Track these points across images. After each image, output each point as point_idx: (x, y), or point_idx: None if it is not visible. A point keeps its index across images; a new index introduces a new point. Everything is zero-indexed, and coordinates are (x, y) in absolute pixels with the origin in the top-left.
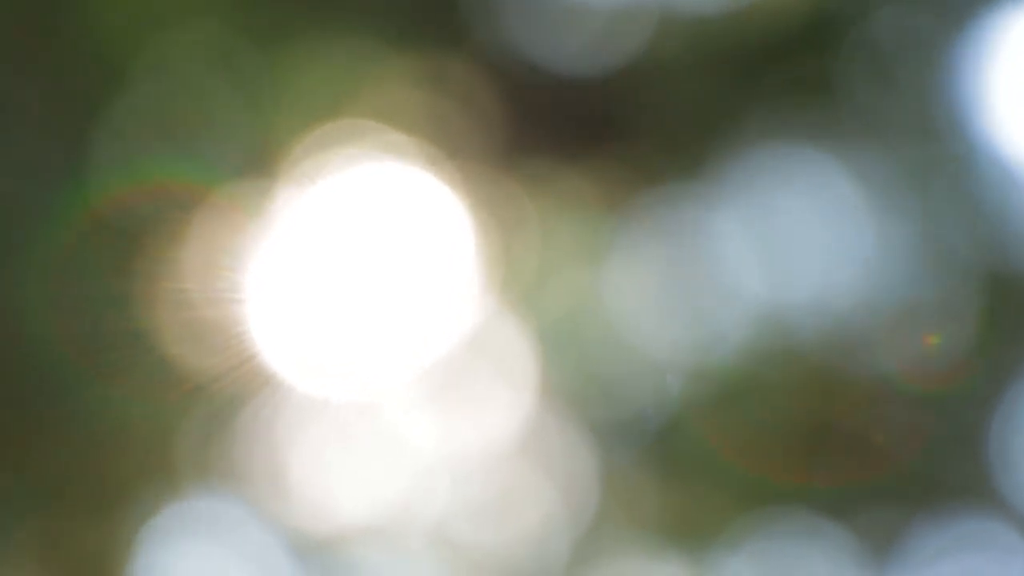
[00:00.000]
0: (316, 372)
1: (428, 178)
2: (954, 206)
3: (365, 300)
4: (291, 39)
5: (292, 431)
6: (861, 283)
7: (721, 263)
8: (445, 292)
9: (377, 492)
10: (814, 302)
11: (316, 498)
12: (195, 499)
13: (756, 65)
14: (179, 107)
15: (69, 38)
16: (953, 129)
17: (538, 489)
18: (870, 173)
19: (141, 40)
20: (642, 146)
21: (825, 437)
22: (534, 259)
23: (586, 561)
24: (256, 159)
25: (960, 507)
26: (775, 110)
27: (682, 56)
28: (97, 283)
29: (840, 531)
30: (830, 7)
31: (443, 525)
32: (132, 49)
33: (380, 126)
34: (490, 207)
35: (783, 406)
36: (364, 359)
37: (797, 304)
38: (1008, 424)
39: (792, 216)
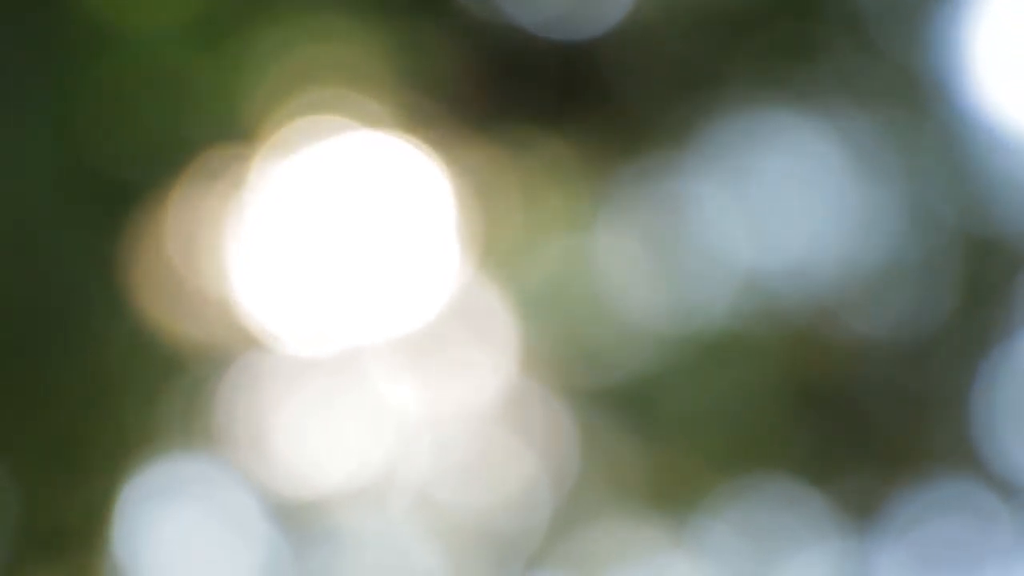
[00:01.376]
0: (299, 336)
1: (409, 144)
2: (936, 169)
3: (347, 265)
4: (272, 6)
5: (275, 395)
6: (844, 247)
7: (704, 228)
8: (426, 258)
9: (359, 456)
10: (797, 267)
11: (298, 462)
12: (178, 462)
13: (739, 30)
14: (160, 75)
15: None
16: (935, 93)
17: (520, 454)
18: (853, 138)
19: (125, 6)
20: (625, 111)
21: (808, 401)
22: (516, 225)
23: (568, 525)
24: (238, 125)
25: (941, 471)
26: (758, 75)
27: (665, 21)
28: (80, 245)
29: (821, 495)
30: None
31: (425, 489)
32: (117, 15)
33: (360, 92)
34: (471, 173)
35: (766, 370)
36: (346, 324)
37: (780, 269)
38: (989, 388)
39: (775, 181)
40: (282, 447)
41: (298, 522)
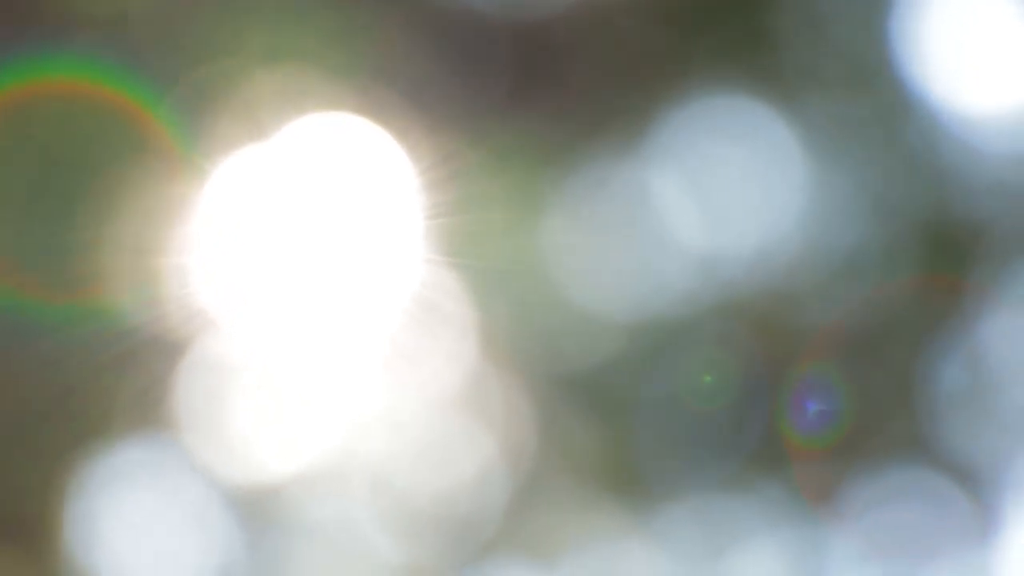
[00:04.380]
0: (256, 321)
1: (361, 128)
2: (892, 157)
3: (304, 250)
4: None
5: (230, 379)
6: (800, 234)
7: (661, 214)
8: (382, 243)
9: (316, 441)
10: (754, 253)
11: (254, 447)
12: (133, 447)
13: (696, 16)
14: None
15: None
16: (891, 80)
17: (477, 438)
18: (810, 124)
19: None
20: (582, 95)
21: (763, 387)
22: (472, 210)
23: (525, 509)
24: (197, 108)
25: (897, 458)
26: (715, 61)
27: (622, 4)
28: (33, 223)
29: (776, 481)
30: None
31: (382, 474)
32: None
33: (310, 75)
34: (425, 157)
35: (722, 357)
36: (304, 308)
37: (737, 255)
38: (944, 374)
39: (732, 167)
40: (238, 432)
41: (254, 507)
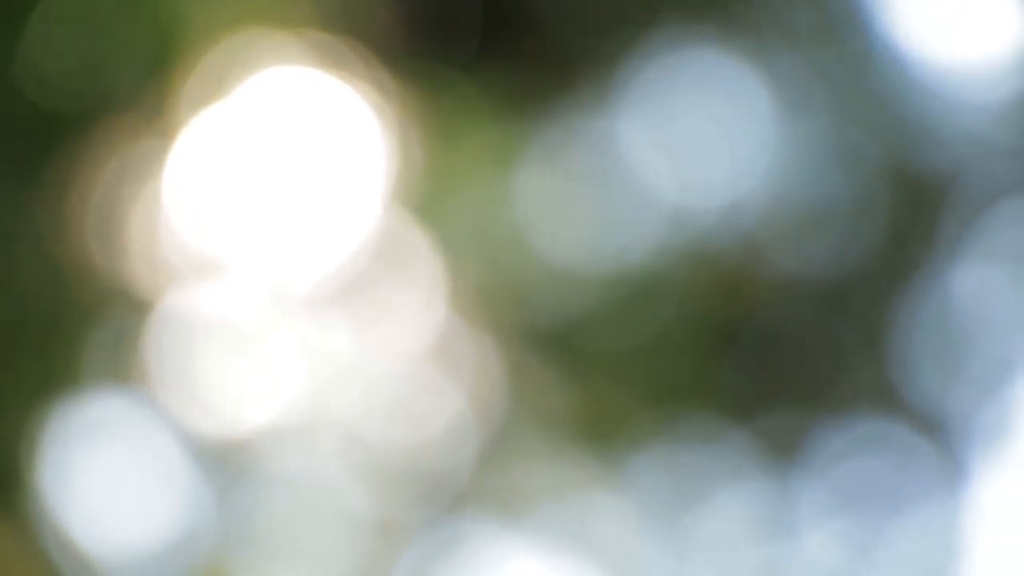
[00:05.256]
0: (224, 275)
1: (331, 83)
2: (861, 108)
3: (271, 205)
4: None
5: (199, 334)
6: (768, 186)
7: (629, 167)
8: (351, 197)
9: (285, 396)
10: (722, 205)
11: (224, 401)
12: (103, 400)
13: None
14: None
15: None
16: (859, 30)
17: (447, 392)
18: (778, 76)
19: None
20: (550, 48)
21: (731, 339)
22: (441, 163)
23: (495, 462)
24: (159, 63)
25: (863, 410)
26: (683, 13)
27: None
28: (4, 179)
29: (744, 433)
30: None
31: (352, 428)
32: None
33: (278, 29)
34: (394, 111)
35: (691, 309)
36: (270, 264)
37: (705, 207)
38: (910, 326)
39: (700, 119)
40: (207, 386)
41: (224, 461)
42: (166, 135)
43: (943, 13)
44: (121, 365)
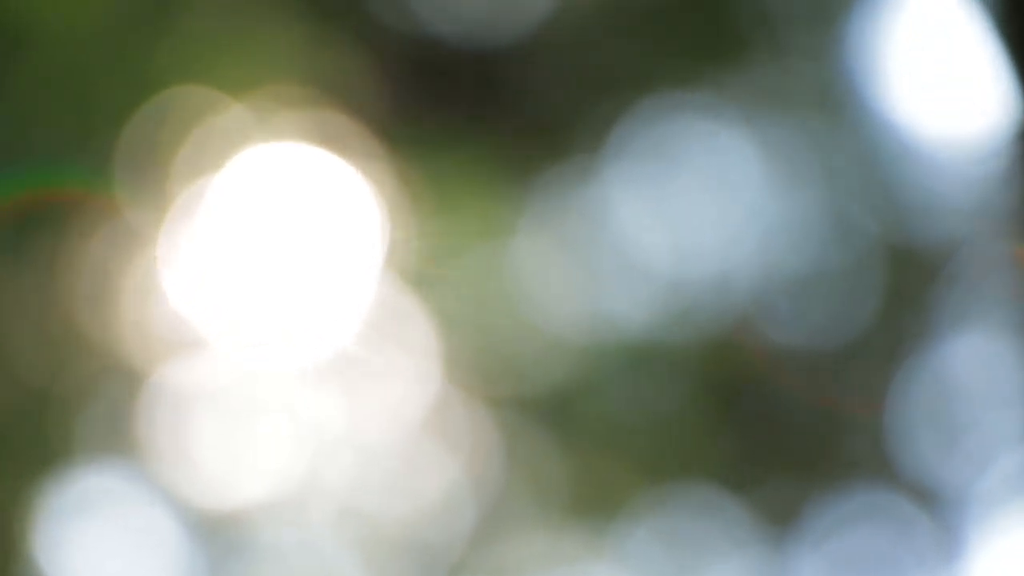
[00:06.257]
0: (219, 347)
1: (326, 154)
2: (855, 177)
3: (266, 277)
4: (183, 10)
5: (192, 406)
6: (762, 255)
7: (623, 235)
8: (346, 267)
9: (280, 467)
10: (716, 274)
11: (219, 473)
12: (97, 472)
13: (656, 36)
14: (71, 78)
15: None
16: (853, 99)
17: (442, 463)
18: (771, 145)
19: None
20: (541, 118)
21: (727, 409)
22: (435, 233)
23: (491, 535)
24: (151, 132)
25: (859, 480)
26: (676, 81)
27: (581, 27)
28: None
29: (740, 503)
30: None
31: (347, 500)
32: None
33: (272, 101)
34: (388, 182)
35: (686, 379)
36: (267, 334)
37: (699, 276)
38: (906, 396)
39: (694, 188)
40: (201, 458)
41: (218, 533)
42: (159, 207)
43: (937, 85)
44: (114, 438)
